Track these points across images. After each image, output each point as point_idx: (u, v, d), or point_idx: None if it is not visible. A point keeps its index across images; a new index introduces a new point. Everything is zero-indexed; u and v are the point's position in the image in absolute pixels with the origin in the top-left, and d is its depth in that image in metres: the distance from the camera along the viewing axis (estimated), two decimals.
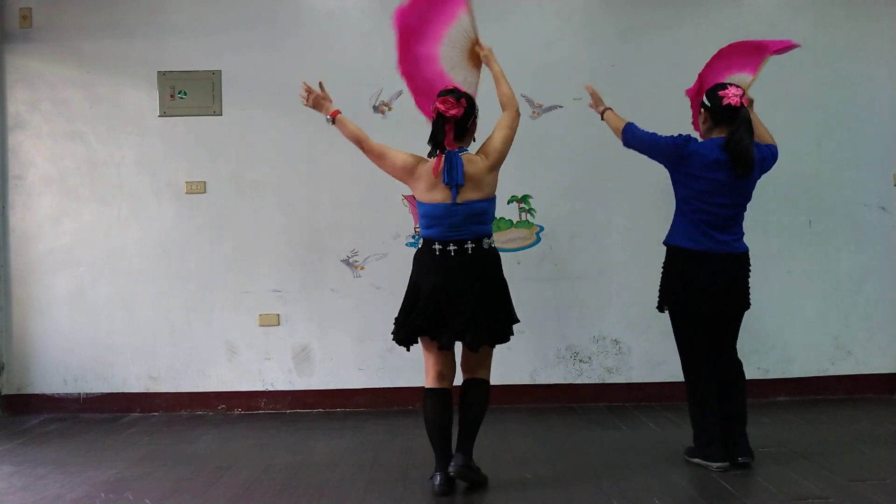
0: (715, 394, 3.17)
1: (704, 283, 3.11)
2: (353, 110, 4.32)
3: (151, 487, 3.08)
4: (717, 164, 3.06)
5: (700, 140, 3.21)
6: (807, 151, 4.42)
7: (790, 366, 4.41)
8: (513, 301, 3.11)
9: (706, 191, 3.09)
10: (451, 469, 2.89)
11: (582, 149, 4.35)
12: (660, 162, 3.24)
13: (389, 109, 4.38)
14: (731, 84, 3.15)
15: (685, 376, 3.26)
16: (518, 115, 3.11)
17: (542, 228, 4.37)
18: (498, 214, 4.35)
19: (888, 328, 4.45)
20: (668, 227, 3.28)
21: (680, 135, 3.16)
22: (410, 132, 4.32)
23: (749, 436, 3.43)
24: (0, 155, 4.41)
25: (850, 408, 4.17)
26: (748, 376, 4.29)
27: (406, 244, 4.36)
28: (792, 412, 4.08)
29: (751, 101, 3.25)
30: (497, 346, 3.06)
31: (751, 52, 3.37)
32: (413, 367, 4.30)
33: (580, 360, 4.39)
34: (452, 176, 2.89)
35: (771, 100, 4.40)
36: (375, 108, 4.39)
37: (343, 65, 4.37)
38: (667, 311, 3.26)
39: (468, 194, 2.93)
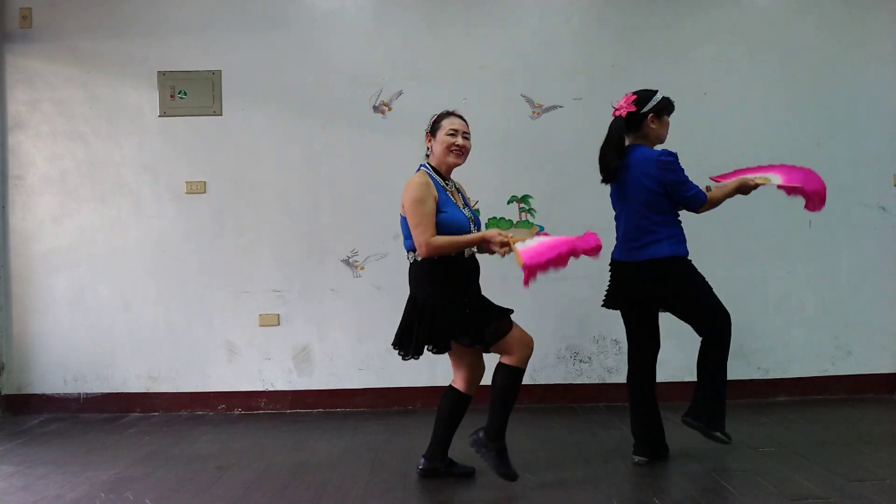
0: (637, 390, 3.30)
1: (613, 287, 3.32)
2: (353, 110, 4.39)
3: (151, 487, 3.08)
4: None
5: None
6: (807, 151, 4.42)
7: (790, 366, 4.41)
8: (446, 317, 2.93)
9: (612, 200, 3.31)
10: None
11: (582, 148, 4.33)
12: None
13: (389, 109, 4.38)
14: (629, 93, 3.21)
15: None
16: (419, 246, 2.91)
17: (542, 228, 4.35)
18: (498, 214, 4.36)
19: (888, 328, 4.45)
20: None
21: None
22: (410, 132, 4.35)
23: (749, 436, 3.44)
24: (0, 155, 4.42)
25: (850, 408, 4.17)
26: (749, 376, 4.37)
27: None
28: (792, 412, 4.08)
29: (753, 186, 3.27)
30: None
31: (796, 177, 3.34)
32: (413, 368, 4.29)
33: (580, 360, 4.39)
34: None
35: (771, 100, 4.43)
36: (375, 108, 4.39)
37: (343, 65, 4.38)
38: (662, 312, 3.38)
39: None
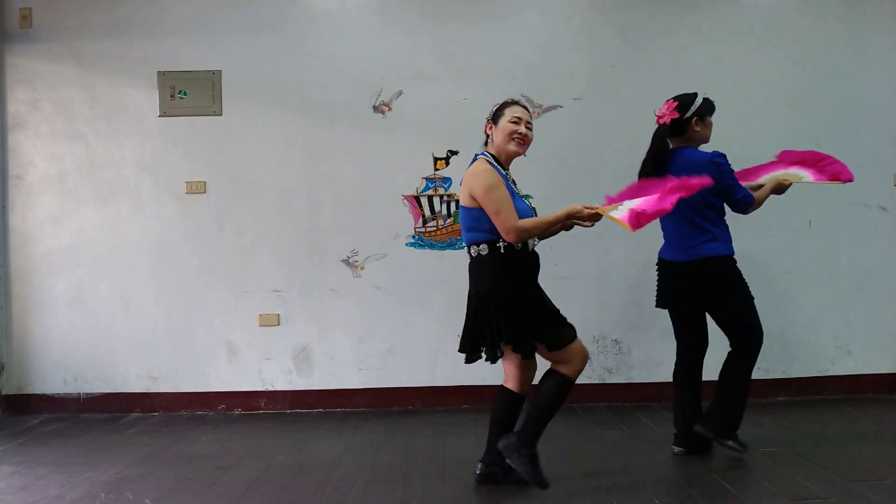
0: (683, 387, 3.38)
1: (663, 286, 3.37)
2: (353, 110, 4.39)
3: (151, 487, 3.08)
4: None
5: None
6: None
7: (790, 366, 4.41)
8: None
9: None
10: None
11: (582, 148, 4.36)
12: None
13: (389, 109, 4.38)
14: (669, 100, 3.25)
15: None
16: (506, 233, 2.76)
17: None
18: None
19: (888, 328, 4.45)
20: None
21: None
22: (410, 132, 4.37)
23: (749, 436, 3.44)
24: (0, 155, 4.41)
25: (850, 408, 4.17)
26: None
27: (406, 244, 4.36)
28: (792, 412, 4.08)
29: (787, 186, 3.34)
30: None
31: (827, 167, 3.36)
32: (413, 368, 4.32)
33: None
34: None
35: (771, 100, 4.43)
36: (375, 108, 4.39)
37: (343, 65, 4.38)
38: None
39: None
